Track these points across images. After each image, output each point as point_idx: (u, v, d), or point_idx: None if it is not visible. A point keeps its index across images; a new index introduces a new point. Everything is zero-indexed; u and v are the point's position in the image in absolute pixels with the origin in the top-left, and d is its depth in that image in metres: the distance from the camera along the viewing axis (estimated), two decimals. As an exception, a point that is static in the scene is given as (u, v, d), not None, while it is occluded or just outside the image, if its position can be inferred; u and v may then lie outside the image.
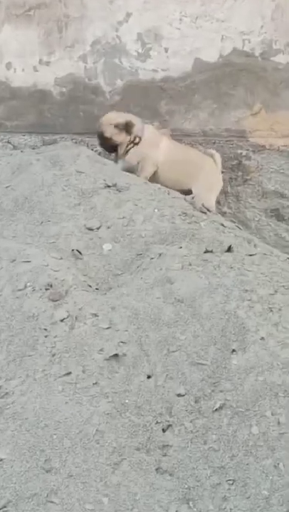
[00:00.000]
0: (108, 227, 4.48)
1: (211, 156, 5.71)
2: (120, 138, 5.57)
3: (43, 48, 6.13)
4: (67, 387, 3.42)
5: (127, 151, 5.59)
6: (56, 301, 3.78)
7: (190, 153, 5.76)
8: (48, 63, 6.13)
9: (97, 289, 4.09)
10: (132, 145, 5.59)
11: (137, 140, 5.57)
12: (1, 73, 6.18)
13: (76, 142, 6.05)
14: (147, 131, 5.62)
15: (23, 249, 4.14)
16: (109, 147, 5.66)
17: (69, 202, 4.66)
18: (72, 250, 4.30)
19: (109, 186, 4.77)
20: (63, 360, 3.53)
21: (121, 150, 5.61)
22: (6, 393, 3.42)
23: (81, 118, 6.17)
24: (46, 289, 3.83)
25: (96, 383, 3.45)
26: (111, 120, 5.58)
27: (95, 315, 3.73)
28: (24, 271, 3.93)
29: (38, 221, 4.57)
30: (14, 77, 6.18)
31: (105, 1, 5.99)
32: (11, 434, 3.22)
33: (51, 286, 3.84)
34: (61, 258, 4.16)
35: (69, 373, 3.48)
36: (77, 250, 4.30)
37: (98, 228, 4.48)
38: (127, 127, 5.57)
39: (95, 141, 5.72)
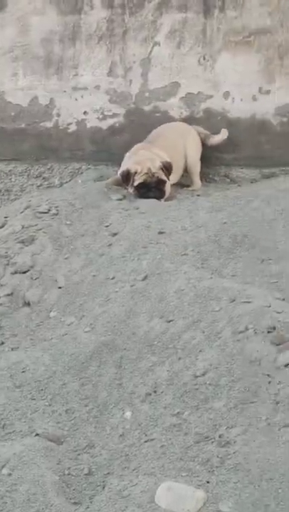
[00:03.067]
0: None
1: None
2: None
3: (263, 76, 6.21)
4: (293, 438, 3.41)
5: None
6: (280, 344, 3.79)
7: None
8: (267, 92, 6.21)
9: None
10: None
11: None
12: (218, 103, 6.31)
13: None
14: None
15: (244, 289, 4.19)
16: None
17: (291, 239, 4.69)
18: (296, 291, 4.31)
19: None
20: (288, 409, 3.52)
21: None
22: (227, 442, 3.44)
23: (302, 150, 6.20)
24: (269, 332, 3.84)
25: None
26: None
27: None
28: (245, 312, 3.97)
29: (259, 259, 4.61)
30: (232, 107, 6.30)
31: None
32: (234, 487, 3.23)
33: (274, 328, 3.85)
34: (284, 299, 4.17)
35: (294, 423, 3.47)
36: (302, 291, 4.30)
37: None
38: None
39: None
